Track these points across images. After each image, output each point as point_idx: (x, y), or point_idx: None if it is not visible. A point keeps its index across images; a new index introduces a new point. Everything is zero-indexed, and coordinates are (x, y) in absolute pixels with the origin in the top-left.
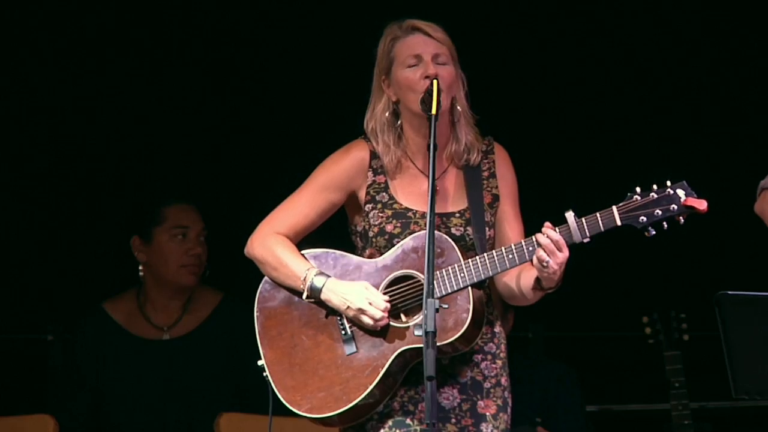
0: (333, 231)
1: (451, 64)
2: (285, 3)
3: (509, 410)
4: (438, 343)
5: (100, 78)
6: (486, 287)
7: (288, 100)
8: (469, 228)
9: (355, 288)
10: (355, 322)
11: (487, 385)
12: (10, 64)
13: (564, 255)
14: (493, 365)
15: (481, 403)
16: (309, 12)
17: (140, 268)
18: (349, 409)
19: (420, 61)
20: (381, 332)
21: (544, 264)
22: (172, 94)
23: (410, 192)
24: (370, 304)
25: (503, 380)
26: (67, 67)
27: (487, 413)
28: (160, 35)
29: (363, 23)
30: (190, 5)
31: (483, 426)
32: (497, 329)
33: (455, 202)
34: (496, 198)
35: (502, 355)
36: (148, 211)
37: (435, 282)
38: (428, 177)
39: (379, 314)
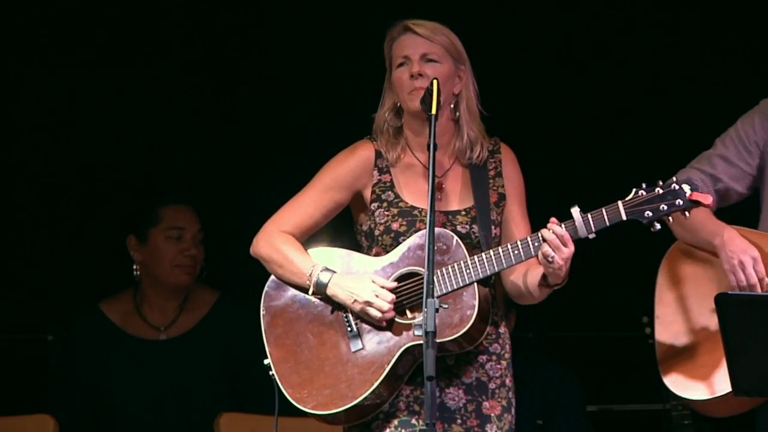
0: (338, 231)
1: (445, 62)
2: (286, 1)
3: (514, 411)
4: (443, 340)
5: (99, 78)
6: (491, 287)
7: (289, 100)
8: (474, 226)
9: (362, 281)
10: (361, 317)
11: (492, 385)
12: (8, 64)
13: (569, 250)
14: (498, 366)
15: (486, 403)
16: (310, 11)
17: (135, 267)
18: (354, 406)
19: (408, 60)
20: (387, 329)
21: (550, 259)
22: (172, 93)
23: (416, 190)
24: (377, 296)
25: (508, 381)
26: (66, 68)
27: (492, 414)
28: (161, 35)
29: (365, 22)
30: (191, 3)
31: (488, 427)
32: (502, 330)
33: (461, 200)
34: (502, 197)
35: (506, 355)
36: (145, 211)
37: (441, 278)
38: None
39: (386, 306)
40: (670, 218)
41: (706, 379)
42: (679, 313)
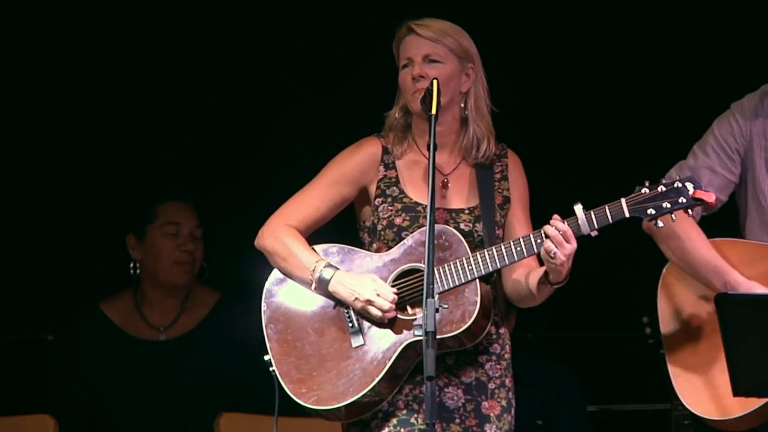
0: (341, 226)
1: (449, 62)
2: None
3: (513, 411)
4: (444, 336)
5: (98, 79)
6: (492, 286)
7: (289, 98)
8: (477, 225)
9: (363, 280)
10: (362, 314)
11: (491, 385)
12: (7, 62)
13: (572, 246)
14: (498, 366)
15: (485, 403)
16: (314, 6)
17: (131, 265)
18: (354, 401)
19: (411, 62)
20: (388, 325)
21: (552, 255)
22: (170, 92)
23: (421, 187)
24: (378, 295)
25: (507, 381)
26: (65, 66)
27: (492, 414)
28: (158, 31)
29: (371, 19)
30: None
31: (487, 426)
32: (502, 330)
33: (466, 199)
34: (507, 200)
35: (506, 356)
36: (142, 209)
37: (442, 275)
38: (440, 173)
39: (387, 305)
40: (672, 216)
41: (722, 401)
42: (685, 335)
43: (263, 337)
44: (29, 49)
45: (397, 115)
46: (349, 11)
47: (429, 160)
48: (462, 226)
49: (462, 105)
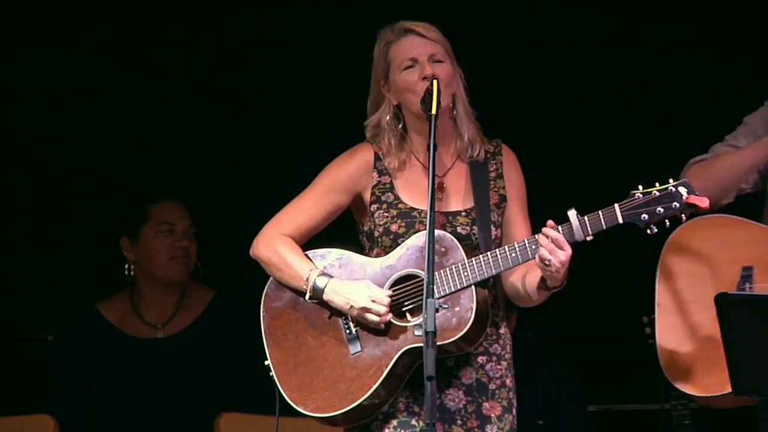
0: (341, 231)
1: (448, 62)
2: (284, 3)
3: (515, 411)
4: (441, 343)
5: (92, 78)
6: (492, 288)
7: (287, 101)
8: (475, 227)
9: (358, 287)
10: (359, 321)
11: (492, 386)
12: (1, 63)
13: (566, 253)
14: (498, 366)
15: (486, 404)
16: (308, 12)
17: (126, 267)
18: (353, 408)
19: (416, 62)
20: (385, 331)
21: (547, 262)
22: (163, 93)
23: (416, 190)
24: (374, 301)
25: (508, 381)
26: (58, 68)
27: (493, 414)
28: (152, 33)
29: (366, 26)
30: (187, 4)
31: (488, 427)
32: (502, 330)
33: (462, 200)
34: (503, 198)
35: (507, 356)
36: (134, 210)
37: (438, 281)
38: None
39: (383, 310)
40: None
41: (710, 376)
42: (678, 312)
43: (259, 337)
44: (23, 51)
45: (388, 120)
46: (346, 13)
47: (429, 159)
48: (459, 229)
49: (451, 107)
